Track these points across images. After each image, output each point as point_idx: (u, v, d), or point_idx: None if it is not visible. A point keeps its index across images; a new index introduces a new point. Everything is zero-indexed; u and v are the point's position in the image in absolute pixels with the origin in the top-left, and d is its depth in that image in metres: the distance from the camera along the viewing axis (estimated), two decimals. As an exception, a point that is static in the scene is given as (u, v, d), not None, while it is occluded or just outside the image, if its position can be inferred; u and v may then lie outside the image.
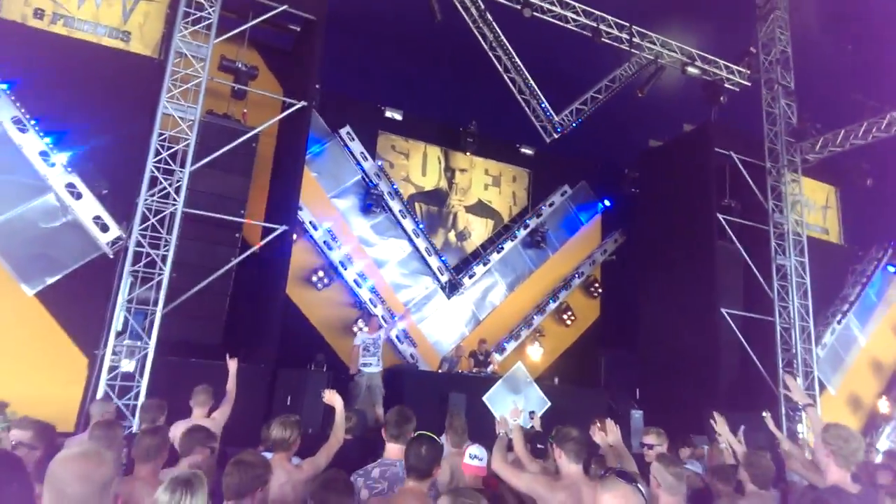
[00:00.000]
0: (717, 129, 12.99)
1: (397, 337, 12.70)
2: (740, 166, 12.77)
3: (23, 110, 7.68)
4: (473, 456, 4.07)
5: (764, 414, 6.28)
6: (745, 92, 13.31)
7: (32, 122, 7.72)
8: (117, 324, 7.51)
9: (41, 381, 7.49)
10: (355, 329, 11.86)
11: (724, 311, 11.88)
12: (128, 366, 7.44)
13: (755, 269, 12.33)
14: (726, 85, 13.18)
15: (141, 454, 3.38)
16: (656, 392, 11.88)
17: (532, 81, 11.92)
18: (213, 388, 5.37)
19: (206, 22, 8.67)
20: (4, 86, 7.66)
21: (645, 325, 13.68)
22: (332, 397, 4.42)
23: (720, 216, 12.37)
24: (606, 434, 4.45)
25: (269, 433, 4.07)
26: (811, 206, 14.80)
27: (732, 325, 11.87)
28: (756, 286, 12.40)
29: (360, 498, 3.42)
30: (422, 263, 13.60)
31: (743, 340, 11.96)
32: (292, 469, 3.79)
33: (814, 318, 12.54)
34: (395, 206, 13.26)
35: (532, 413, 6.76)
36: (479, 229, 14.76)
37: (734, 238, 12.32)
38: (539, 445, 5.17)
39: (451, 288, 13.77)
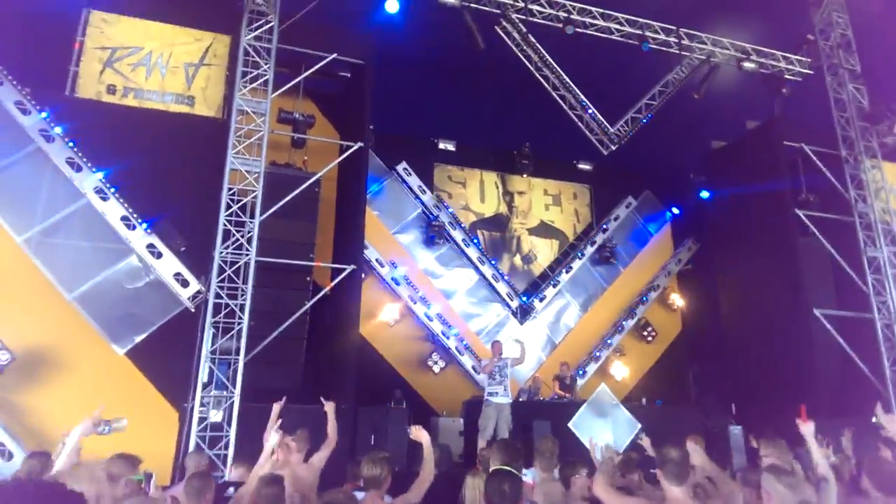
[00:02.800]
0: (784, 123, 12.43)
1: (473, 367, 12.56)
2: (814, 157, 12.13)
3: (103, 179, 8.16)
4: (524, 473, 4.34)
5: (874, 419, 5.77)
6: (809, 81, 12.72)
7: (112, 189, 8.19)
8: (203, 375, 7.74)
9: (136, 438, 7.69)
10: (430, 363, 11.84)
11: (816, 311, 11.15)
12: (216, 416, 7.63)
13: (845, 265, 11.57)
14: (787, 76, 12.64)
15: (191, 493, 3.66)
16: (753, 405, 11.18)
17: (582, 96, 11.79)
18: (295, 429, 5.51)
19: (263, 79, 9.06)
20: (101, 174, 8.19)
21: (732, 335, 13.01)
22: (419, 433, 4.35)
23: (799, 212, 11.74)
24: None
25: (360, 471, 4.04)
26: (896, 192, 13.84)
27: (828, 325, 11.11)
28: (847, 283, 11.61)
29: None
30: (490, 290, 13.50)
31: (841, 341, 11.16)
32: None
33: (918, 310, 11.59)
34: (458, 235, 13.28)
35: (640, 435, 6.43)
36: (545, 251, 14.56)
37: (817, 233, 11.63)
38: (652, 470, 4.95)
39: (523, 313, 13.57)
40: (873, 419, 7.33)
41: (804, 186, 12.43)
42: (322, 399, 5.65)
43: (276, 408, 5.56)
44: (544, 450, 5.06)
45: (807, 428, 3.99)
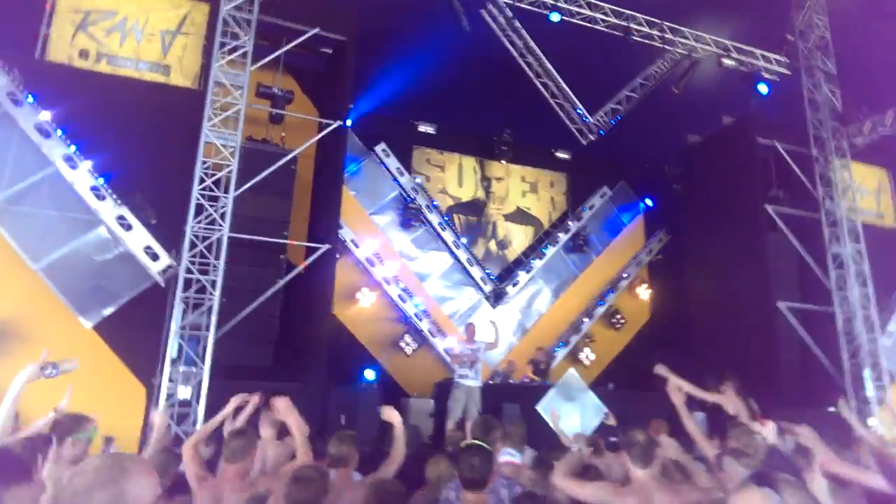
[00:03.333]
0: (759, 120, 12.63)
1: (445, 350, 12.62)
2: (785, 155, 12.38)
3: (73, 148, 7.93)
4: (507, 452, 4.57)
5: (831, 409, 6.00)
6: (785, 80, 12.93)
7: (82, 158, 7.97)
8: (172, 351, 7.63)
9: (102, 412, 7.57)
10: (402, 344, 11.85)
11: (780, 304, 11.46)
12: (184, 392, 7.55)
13: (810, 260, 11.88)
14: (764, 75, 12.83)
15: (228, 455, 3.62)
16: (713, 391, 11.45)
17: (564, 85, 11.81)
18: (265, 408, 5.47)
19: (242, 50, 8.85)
20: (59, 132, 7.93)
21: (698, 325, 13.30)
22: (391, 414, 4.36)
23: (768, 207, 12.00)
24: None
25: (328, 450, 4.05)
26: (863, 191, 14.20)
27: (791, 318, 11.44)
28: (812, 277, 11.94)
29: None
30: (464, 275, 13.55)
31: (803, 334, 11.50)
32: (355, 485, 3.75)
33: (876, 305, 11.98)
34: (434, 218, 13.27)
35: (607, 413, 6.64)
36: (520, 237, 14.64)
37: (785, 229, 11.92)
38: (612, 438, 5.09)
39: (496, 297, 13.67)
40: (830, 409, 7.57)
41: (774, 183, 12.69)
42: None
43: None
44: (514, 433, 5.12)
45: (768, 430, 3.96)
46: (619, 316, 14.87)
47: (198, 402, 7.55)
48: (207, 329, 7.82)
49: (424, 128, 13.54)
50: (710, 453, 4.29)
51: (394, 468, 4.08)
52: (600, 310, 14.60)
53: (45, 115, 7.91)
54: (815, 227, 12.07)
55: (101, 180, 8.01)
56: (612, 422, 6.15)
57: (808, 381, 11.51)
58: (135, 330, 8.04)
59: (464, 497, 3.24)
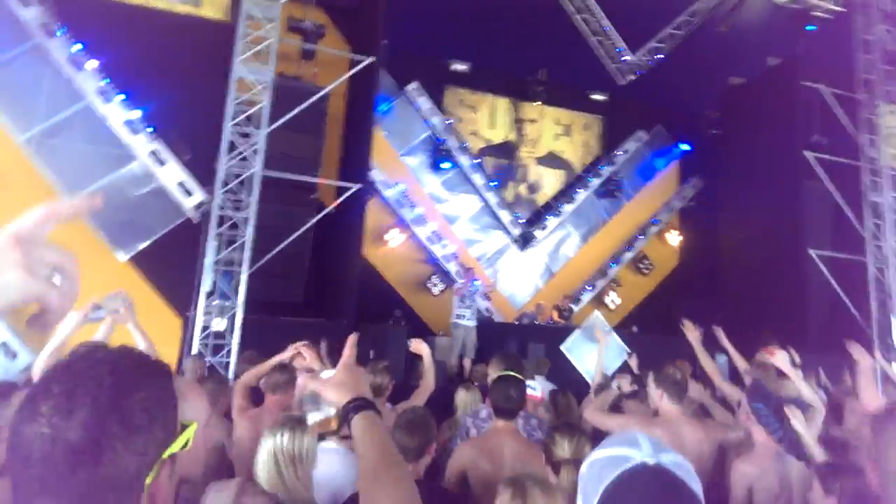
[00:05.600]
0: (805, 62, 12.03)
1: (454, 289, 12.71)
2: (830, 99, 11.85)
3: (106, 81, 7.92)
4: (530, 387, 4.49)
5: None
6: (837, 19, 12.20)
7: (115, 92, 7.97)
8: (206, 285, 7.81)
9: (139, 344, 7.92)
10: (429, 285, 11.95)
11: (811, 252, 11.24)
12: (219, 325, 7.76)
13: (846, 208, 11.55)
14: (815, 13, 12.12)
15: (269, 387, 3.87)
16: (741, 339, 11.30)
17: (605, 21, 11.32)
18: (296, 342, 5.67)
19: (273, -19, 8.64)
20: (95, 62, 7.90)
21: (726, 271, 13.15)
22: (420, 346, 4.42)
23: (808, 153, 11.59)
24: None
25: None
26: (908, 140, 13.60)
27: (821, 266, 11.23)
28: (846, 226, 11.63)
29: (469, 437, 3.66)
30: (493, 218, 13.47)
31: (833, 282, 11.30)
32: (388, 412, 3.86)
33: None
34: (465, 161, 13.10)
35: (630, 353, 6.70)
36: (551, 181, 14.42)
37: (823, 175, 11.54)
38: (634, 386, 5.16)
39: (524, 241, 13.60)
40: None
41: (816, 129, 12.21)
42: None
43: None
44: (542, 364, 5.28)
45: (780, 359, 3.75)
46: (647, 261, 14.73)
47: (231, 334, 7.76)
48: (240, 265, 7.95)
49: (457, 66, 13.16)
50: (731, 394, 4.32)
51: (424, 398, 4.19)
52: (628, 255, 14.46)
53: (82, 53, 7.87)
54: (854, 174, 11.66)
55: (134, 114, 8.03)
56: (632, 362, 6.21)
57: (835, 328, 11.36)
58: (169, 264, 8.22)
59: (494, 424, 3.33)
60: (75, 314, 3.43)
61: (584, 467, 1.18)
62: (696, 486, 1.09)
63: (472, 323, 9.40)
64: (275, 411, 3.68)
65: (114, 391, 0.89)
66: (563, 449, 2.55)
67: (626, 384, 4.88)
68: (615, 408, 4.60)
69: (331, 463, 2.92)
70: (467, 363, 9.17)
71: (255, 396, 4.09)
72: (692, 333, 4.74)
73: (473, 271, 9.75)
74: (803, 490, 3.05)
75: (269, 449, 2.46)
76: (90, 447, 0.85)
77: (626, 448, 1.12)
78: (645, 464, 1.08)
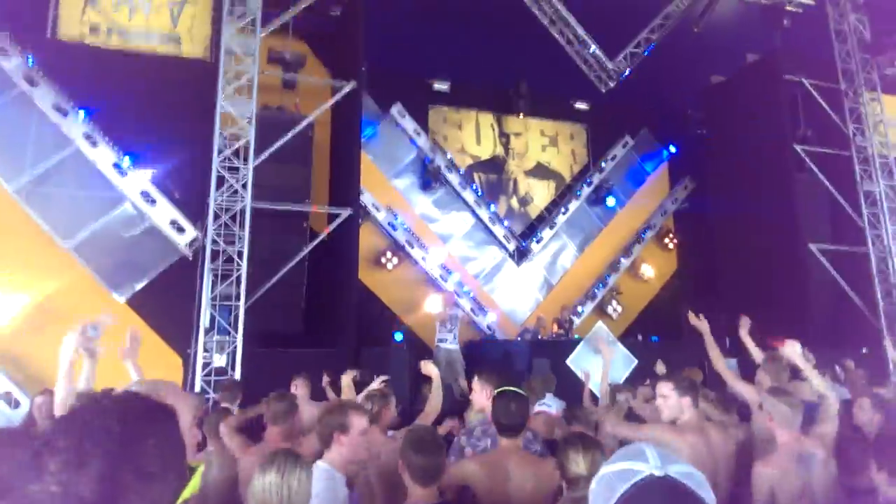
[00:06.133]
0: (784, 56, 12.15)
1: (472, 310, 12.65)
2: (813, 92, 11.95)
3: (91, 125, 7.96)
4: (542, 403, 4.81)
5: (864, 350, 5.88)
6: (810, 12, 12.37)
7: (102, 136, 8.00)
8: (205, 321, 7.77)
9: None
10: (431, 304, 11.86)
11: (811, 246, 11.22)
12: (219, 360, 7.71)
13: (841, 199, 11.57)
14: (788, 7, 12.28)
15: (270, 418, 3.80)
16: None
17: (580, 30, 11.45)
18: (298, 373, 5.81)
19: (251, 17, 8.76)
20: (82, 113, 7.95)
21: (726, 272, 13.11)
22: (429, 368, 4.38)
23: (797, 147, 11.64)
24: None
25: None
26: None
27: (823, 260, 11.20)
28: (843, 218, 11.65)
29: (465, 456, 3.50)
30: (487, 234, 13.48)
31: (835, 275, 11.27)
32: (385, 440, 3.77)
33: (912, 243, 11.67)
34: (454, 179, 13.15)
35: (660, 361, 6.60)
36: (542, 192, 14.46)
37: (814, 168, 11.58)
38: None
39: (520, 255, 13.60)
40: (864, 350, 7.42)
41: (802, 121, 12.29)
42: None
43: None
44: (535, 386, 5.24)
45: (791, 349, 3.76)
46: (645, 267, 14.71)
47: (233, 369, 7.71)
48: (237, 298, 7.92)
49: (439, 85, 13.27)
50: (745, 393, 4.26)
51: (430, 420, 4.13)
52: (626, 262, 14.45)
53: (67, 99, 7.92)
54: (846, 165, 11.72)
55: (122, 157, 8.05)
56: (662, 369, 6.13)
57: (841, 323, 11.33)
58: (167, 302, 8.19)
59: (500, 443, 3.26)
60: (71, 336, 3.27)
61: (593, 483, 1.17)
62: (708, 496, 1.08)
63: (455, 346, 9.27)
64: (278, 442, 3.62)
65: (125, 440, 0.86)
66: (578, 465, 2.50)
67: (629, 398, 4.79)
68: (631, 418, 4.52)
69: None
70: (464, 384, 9.07)
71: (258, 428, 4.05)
72: (701, 325, 4.65)
73: (454, 295, 9.79)
74: (826, 491, 3.00)
75: (257, 491, 2.34)
76: (104, 502, 0.82)
77: (633, 462, 1.11)
78: (653, 476, 1.07)
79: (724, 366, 4.49)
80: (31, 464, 0.84)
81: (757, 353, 5.14)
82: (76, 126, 7.97)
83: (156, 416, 0.94)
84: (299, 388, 5.70)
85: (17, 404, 7.39)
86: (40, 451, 0.84)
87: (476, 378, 3.87)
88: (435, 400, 4.21)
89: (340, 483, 2.90)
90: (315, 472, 2.60)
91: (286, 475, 2.34)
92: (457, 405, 8.56)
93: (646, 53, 11.94)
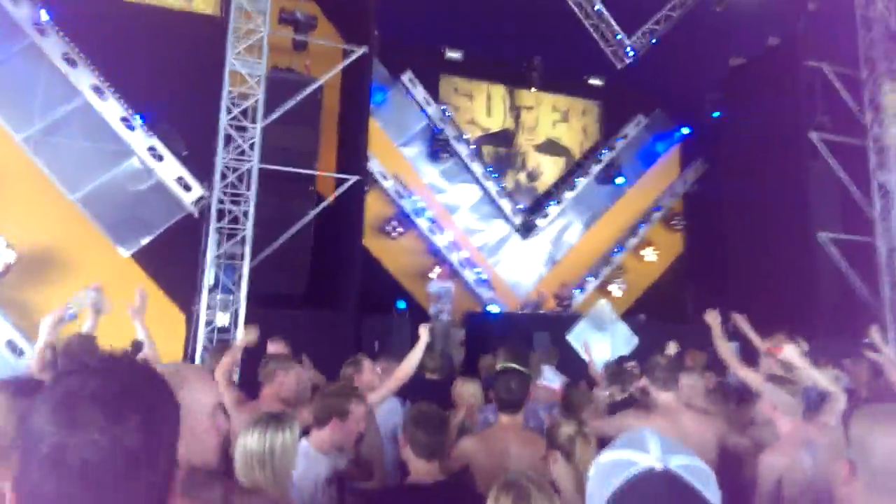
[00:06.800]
0: (807, 40, 11.90)
1: (475, 281, 12.65)
2: (833, 79, 11.73)
3: (101, 78, 7.90)
4: (544, 377, 4.89)
5: (867, 340, 5.82)
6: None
7: (110, 88, 7.94)
8: (209, 279, 7.79)
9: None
10: (431, 275, 11.89)
11: (821, 235, 11.14)
12: (222, 319, 7.75)
13: (853, 189, 11.44)
14: (815, -11, 12.00)
15: (264, 377, 3.80)
16: (752, 326, 11.33)
17: (600, 4, 11.22)
18: (300, 335, 5.76)
19: (263, -26, 8.59)
20: (87, 60, 7.87)
21: (733, 256, 13.03)
22: (423, 331, 4.33)
23: (812, 134, 11.48)
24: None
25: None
26: (914, 117, 13.48)
27: (831, 248, 11.13)
28: (854, 207, 11.53)
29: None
30: (493, 207, 13.42)
31: (843, 265, 11.20)
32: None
33: (923, 236, 11.56)
34: (463, 150, 13.05)
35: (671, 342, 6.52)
36: (550, 168, 14.35)
37: (828, 156, 11.42)
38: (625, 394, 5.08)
39: (526, 229, 13.55)
40: (866, 340, 7.36)
41: (819, 108, 12.09)
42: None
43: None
44: (532, 362, 5.22)
45: (790, 353, 3.67)
46: (651, 248, 14.66)
47: (235, 328, 7.74)
48: (242, 258, 7.94)
49: (451, 54, 13.08)
50: (750, 380, 4.20)
51: (399, 381, 3.99)
52: (632, 241, 14.39)
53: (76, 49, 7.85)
54: (860, 154, 11.54)
55: (131, 112, 8.00)
56: (672, 350, 6.09)
57: (847, 312, 11.28)
58: (172, 259, 8.22)
59: (499, 419, 3.29)
60: (48, 317, 3.69)
61: (591, 469, 1.10)
62: (712, 494, 0.99)
63: (448, 318, 9.76)
64: (272, 402, 3.59)
65: (159, 400, 0.91)
66: (566, 428, 2.52)
67: (617, 392, 4.70)
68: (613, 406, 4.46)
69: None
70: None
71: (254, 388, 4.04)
72: (713, 319, 4.59)
73: (444, 273, 10.31)
74: (831, 479, 2.96)
75: (240, 450, 2.36)
76: (148, 452, 0.85)
77: (632, 451, 1.02)
78: (653, 469, 0.98)
79: (730, 355, 4.44)
80: (63, 410, 0.83)
81: (759, 343, 5.12)
82: (85, 77, 7.91)
83: (163, 380, 0.97)
84: (277, 349, 5.53)
85: (21, 352, 7.47)
86: (71, 399, 0.84)
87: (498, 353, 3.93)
88: (410, 361, 4.07)
89: (322, 464, 2.89)
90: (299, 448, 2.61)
91: (270, 438, 2.36)
92: (455, 374, 8.65)
93: (660, 36, 11.68)
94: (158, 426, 0.88)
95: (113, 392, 0.85)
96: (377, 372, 4.36)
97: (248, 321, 7.74)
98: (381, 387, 3.96)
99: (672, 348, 5.71)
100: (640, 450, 1.02)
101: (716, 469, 3.04)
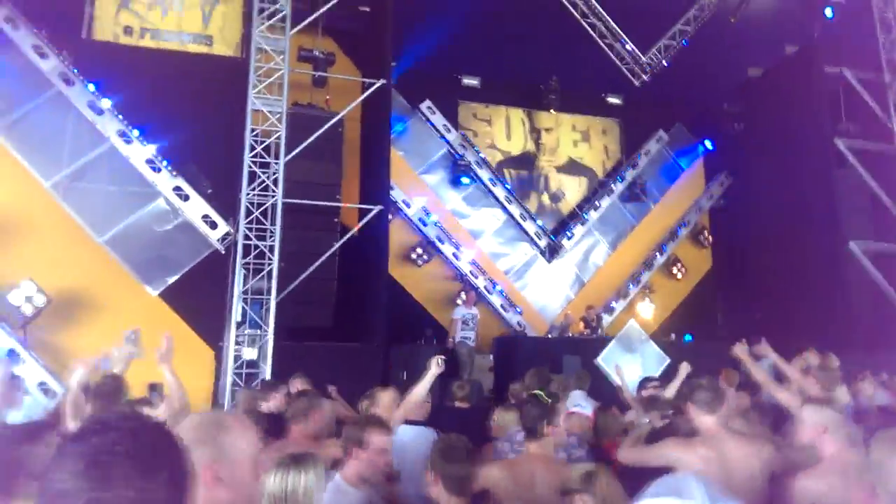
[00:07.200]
0: (825, 46, 11.75)
1: (502, 306, 12.56)
2: (856, 84, 11.53)
3: (125, 122, 8.12)
4: (576, 404, 4.77)
5: None
6: (853, 1, 11.93)
7: (135, 132, 8.15)
8: (237, 315, 7.86)
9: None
10: (458, 301, 11.86)
11: (852, 244, 10.83)
12: (250, 354, 7.78)
13: (884, 196, 11.15)
14: (831, -5, 11.86)
15: (290, 415, 3.72)
16: (784, 341, 10.91)
17: (612, 23, 11.25)
18: (328, 367, 5.74)
19: (281, 15, 8.81)
20: (108, 102, 8.12)
21: (763, 270, 12.74)
22: (433, 361, 4.29)
23: (838, 141, 11.25)
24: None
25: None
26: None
27: (863, 259, 10.80)
28: (885, 215, 11.22)
29: None
30: (518, 230, 13.37)
31: (877, 275, 10.84)
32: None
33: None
34: (485, 174, 13.07)
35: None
36: (573, 188, 14.28)
37: (856, 164, 11.17)
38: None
39: (551, 252, 13.45)
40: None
41: (843, 115, 11.88)
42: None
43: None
44: (584, 378, 5.20)
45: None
46: (679, 265, 14.41)
47: (264, 362, 7.77)
48: (269, 293, 7.99)
49: (468, 81, 13.21)
50: (788, 402, 4.04)
51: (409, 411, 4.04)
52: (660, 259, 14.17)
53: (101, 97, 8.10)
54: (889, 160, 11.29)
55: (156, 155, 8.20)
56: (684, 372, 5.92)
57: (881, 324, 10.89)
58: (199, 296, 8.32)
59: (527, 447, 3.25)
60: (80, 369, 3.80)
61: None
62: None
63: (474, 344, 10.00)
64: (300, 441, 3.51)
65: (181, 456, 0.98)
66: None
67: (657, 419, 4.53)
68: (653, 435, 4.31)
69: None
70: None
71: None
72: (742, 353, 4.51)
73: (474, 295, 10.59)
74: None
75: (266, 489, 2.32)
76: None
77: (676, 500, 0.97)
78: None
79: (766, 378, 4.33)
80: (92, 470, 0.87)
81: (786, 368, 4.99)
82: (111, 123, 8.14)
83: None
84: (298, 387, 5.53)
85: (53, 394, 7.57)
86: (100, 458, 0.88)
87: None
88: (418, 390, 4.11)
89: (351, 498, 2.83)
90: (329, 483, 2.61)
91: (292, 481, 2.35)
92: (485, 401, 8.54)
93: (683, 44, 11.63)
94: (181, 479, 0.95)
95: (143, 449, 0.92)
96: (396, 404, 4.31)
97: (275, 355, 7.78)
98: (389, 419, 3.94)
99: (684, 370, 5.52)
100: (684, 497, 0.97)
101: (766, 497, 2.87)
